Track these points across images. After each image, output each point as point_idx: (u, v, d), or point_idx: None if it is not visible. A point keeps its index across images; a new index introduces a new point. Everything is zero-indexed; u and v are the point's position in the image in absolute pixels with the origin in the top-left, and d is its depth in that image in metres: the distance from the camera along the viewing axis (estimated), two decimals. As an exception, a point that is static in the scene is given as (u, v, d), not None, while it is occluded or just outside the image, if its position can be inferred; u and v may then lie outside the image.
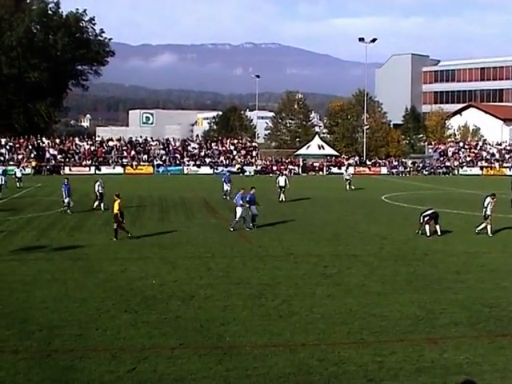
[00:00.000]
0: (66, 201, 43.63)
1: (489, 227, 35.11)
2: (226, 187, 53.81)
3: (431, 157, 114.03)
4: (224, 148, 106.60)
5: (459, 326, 18.17)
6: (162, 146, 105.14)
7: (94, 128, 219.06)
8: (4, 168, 71.73)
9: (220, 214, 43.65)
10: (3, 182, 62.74)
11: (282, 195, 53.18)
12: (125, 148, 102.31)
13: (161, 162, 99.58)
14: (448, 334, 17.40)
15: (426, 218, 34.78)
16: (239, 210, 36.51)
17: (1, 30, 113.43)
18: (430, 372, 14.63)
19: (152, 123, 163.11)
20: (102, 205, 44.33)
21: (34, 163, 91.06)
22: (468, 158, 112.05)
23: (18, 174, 66.27)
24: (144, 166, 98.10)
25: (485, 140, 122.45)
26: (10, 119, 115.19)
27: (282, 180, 54.04)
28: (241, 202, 36.52)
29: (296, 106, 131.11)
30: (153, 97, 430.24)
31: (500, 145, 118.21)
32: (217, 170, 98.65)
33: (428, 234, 34.30)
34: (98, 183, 45.04)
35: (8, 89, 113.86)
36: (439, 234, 34.54)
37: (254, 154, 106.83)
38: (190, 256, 28.48)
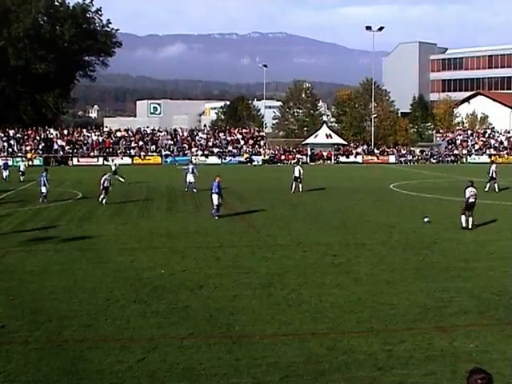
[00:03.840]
0: (44, 190, 43.83)
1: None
2: (190, 178, 51.88)
3: (439, 145, 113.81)
4: (232, 137, 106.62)
5: (468, 314, 18.16)
6: (169, 136, 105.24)
7: (101, 119, 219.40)
8: (5, 161, 70.94)
9: (228, 203, 43.63)
10: (8, 174, 62.59)
11: (294, 186, 51.63)
12: (133, 138, 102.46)
13: (169, 152, 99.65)
14: (457, 323, 17.40)
15: (464, 208, 33.03)
16: (215, 197, 36.89)
17: (8, 22, 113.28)
18: (440, 360, 14.62)
19: (160, 113, 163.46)
20: (104, 198, 43.75)
21: (29, 155, 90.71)
22: (476, 146, 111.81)
23: (22, 168, 64.59)
24: (152, 156, 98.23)
25: (493, 128, 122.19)
26: (18, 110, 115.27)
27: (296, 170, 52.31)
28: (216, 189, 37.00)
29: (303, 95, 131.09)
30: (160, 87, 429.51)
31: (508, 132, 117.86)
32: (225, 159, 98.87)
33: (464, 225, 32.71)
34: (105, 177, 44.05)
35: (16, 80, 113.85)
36: (469, 227, 32.79)
37: (262, 143, 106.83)
38: (199, 246, 28.51)
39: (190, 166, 53.21)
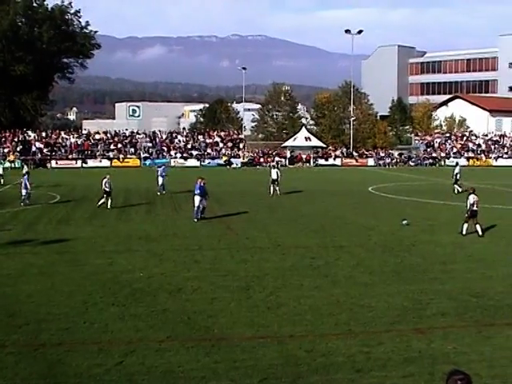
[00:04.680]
0: (24, 192, 43.52)
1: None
2: (161, 181, 52.06)
3: (418, 148, 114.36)
4: (211, 140, 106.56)
5: (446, 316, 18.24)
6: (148, 139, 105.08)
7: (80, 121, 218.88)
8: None
9: (207, 206, 43.56)
10: None
11: (272, 188, 51.88)
12: (111, 141, 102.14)
13: (147, 155, 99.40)
14: (435, 324, 17.46)
15: (467, 215, 31.95)
16: (197, 199, 36.98)
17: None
18: (418, 362, 14.67)
19: (138, 116, 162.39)
20: (109, 202, 42.69)
21: (12, 157, 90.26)
22: (454, 149, 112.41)
23: (0, 171, 63.41)
24: (131, 158, 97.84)
25: (471, 131, 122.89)
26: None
27: (273, 173, 52.38)
28: (198, 191, 37.09)
29: (283, 98, 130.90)
30: (139, 89, 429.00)
31: (486, 136, 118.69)
32: (204, 162, 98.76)
33: (464, 233, 31.79)
34: (106, 180, 42.78)
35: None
36: (480, 234, 31.74)
37: (241, 146, 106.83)
38: (177, 248, 28.47)
39: (160, 169, 53.26)
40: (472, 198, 32.06)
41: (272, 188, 51.90)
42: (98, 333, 16.67)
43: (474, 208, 31.80)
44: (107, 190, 42.71)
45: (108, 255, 26.76)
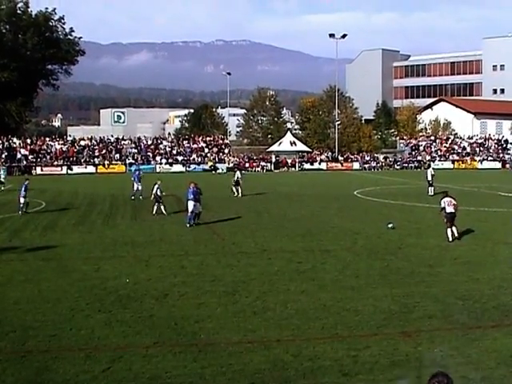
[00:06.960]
0: (22, 201, 43.08)
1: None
2: (137, 186, 52.01)
3: (403, 151, 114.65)
4: (196, 145, 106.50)
5: (433, 319, 18.27)
6: (133, 145, 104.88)
7: (65, 128, 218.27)
8: None
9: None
10: None
11: (235, 190, 54.34)
12: (96, 147, 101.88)
13: (133, 161, 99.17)
14: (422, 328, 17.49)
15: (445, 220, 31.68)
16: (190, 204, 36.83)
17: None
18: (405, 365, 14.70)
19: (123, 122, 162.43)
20: (162, 207, 42.15)
21: None
22: (439, 152, 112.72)
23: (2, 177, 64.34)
24: (116, 164, 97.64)
25: (456, 134, 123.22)
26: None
27: (236, 175, 55.39)
28: (191, 196, 36.88)
29: (267, 103, 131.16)
30: (124, 95, 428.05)
31: (471, 138, 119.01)
32: (189, 167, 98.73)
33: (450, 239, 31.18)
34: (157, 186, 42.43)
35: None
36: (456, 235, 31.28)
37: (226, 151, 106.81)
38: (164, 254, 28.43)
39: (135, 174, 53.18)
40: (443, 203, 31.88)
41: (235, 189, 54.42)
42: (84, 339, 16.63)
43: (448, 211, 31.47)
44: (159, 195, 42.36)
45: (94, 261, 26.69)
